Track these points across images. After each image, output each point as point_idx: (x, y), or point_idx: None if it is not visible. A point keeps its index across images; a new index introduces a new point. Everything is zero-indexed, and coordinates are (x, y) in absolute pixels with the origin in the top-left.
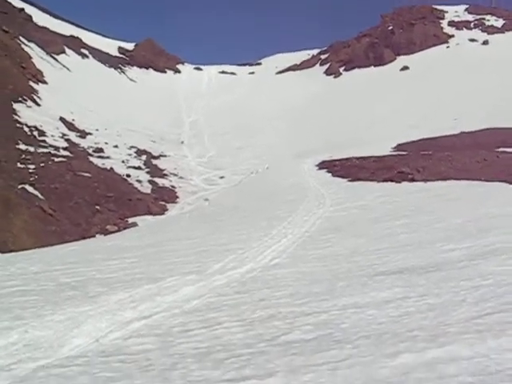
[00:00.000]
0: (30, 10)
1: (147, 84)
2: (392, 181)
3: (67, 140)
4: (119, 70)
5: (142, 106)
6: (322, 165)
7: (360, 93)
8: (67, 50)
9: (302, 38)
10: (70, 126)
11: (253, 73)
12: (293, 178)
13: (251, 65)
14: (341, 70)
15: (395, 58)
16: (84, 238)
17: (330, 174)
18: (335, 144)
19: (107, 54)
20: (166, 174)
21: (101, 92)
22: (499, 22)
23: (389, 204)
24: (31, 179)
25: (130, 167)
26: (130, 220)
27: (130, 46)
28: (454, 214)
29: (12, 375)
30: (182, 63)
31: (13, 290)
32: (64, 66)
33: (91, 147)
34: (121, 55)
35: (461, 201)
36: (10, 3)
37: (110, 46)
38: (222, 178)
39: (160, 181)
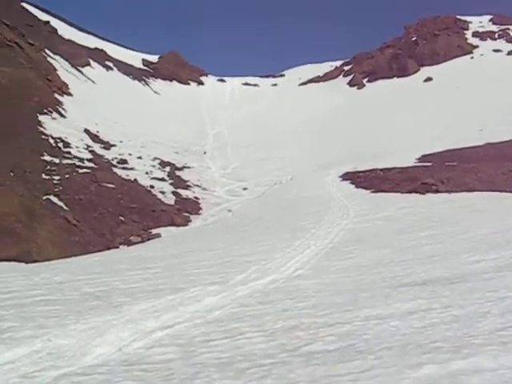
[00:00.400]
0: (55, 22)
1: (171, 96)
2: (416, 192)
3: (91, 151)
4: (143, 82)
5: (165, 118)
6: (346, 176)
7: (383, 104)
8: (92, 62)
9: (326, 49)
10: (95, 137)
11: (276, 84)
12: (316, 189)
13: (274, 76)
14: (364, 81)
15: (419, 69)
16: (108, 248)
17: (353, 186)
18: (358, 156)
19: (131, 66)
20: (189, 186)
21: (125, 104)
22: None
23: (413, 215)
24: (56, 190)
25: (153, 178)
26: (154, 231)
27: (153, 58)
28: (480, 225)
29: (35, 382)
30: (206, 75)
31: (37, 299)
32: (89, 78)
33: (115, 159)
34: (145, 67)
35: (486, 212)
36: (35, 16)
37: (135, 58)
38: (245, 189)
39: (183, 192)
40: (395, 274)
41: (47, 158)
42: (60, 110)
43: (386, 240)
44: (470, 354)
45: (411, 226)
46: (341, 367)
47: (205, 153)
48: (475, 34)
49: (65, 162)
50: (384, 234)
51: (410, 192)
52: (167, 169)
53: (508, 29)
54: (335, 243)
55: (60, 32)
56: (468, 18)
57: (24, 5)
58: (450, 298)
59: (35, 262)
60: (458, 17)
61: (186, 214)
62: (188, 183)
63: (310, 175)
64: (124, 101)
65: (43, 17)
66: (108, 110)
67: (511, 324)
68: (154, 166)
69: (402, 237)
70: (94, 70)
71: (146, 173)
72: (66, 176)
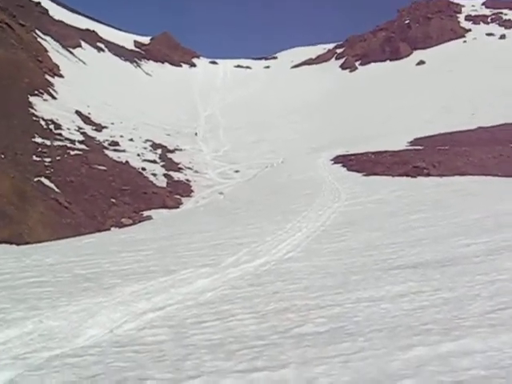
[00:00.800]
0: (46, 3)
1: (163, 78)
2: (408, 175)
3: (83, 133)
4: (135, 63)
5: (157, 100)
6: (337, 159)
7: (376, 87)
8: (83, 43)
9: (318, 31)
10: (86, 119)
11: (268, 67)
12: (308, 172)
13: (267, 59)
14: (357, 64)
15: (411, 53)
16: (99, 230)
17: (345, 169)
18: (350, 139)
19: (123, 47)
20: (181, 168)
21: (116, 86)
22: None
23: (404, 198)
24: (47, 172)
25: (145, 161)
26: (145, 213)
27: (145, 39)
28: (471, 209)
29: (27, 364)
30: (198, 57)
31: (28, 281)
32: (80, 59)
33: (107, 141)
34: (136, 49)
35: (478, 196)
36: None
37: (126, 39)
38: (236, 172)
39: (175, 174)
40: (386, 256)
41: (38, 139)
42: (51, 91)
43: (377, 223)
44: (460, 336)
45: (402, 209)
46: (331, 349)
47: (196, 134)
48: (468, 18)
49: (56, 143)
50: (375, 217)
51: (401, 175)
52: (159, 151)
53: (501, 13)
54: (327, 226)
55: (51, 13)
56: (461, 2)
57: None
58: (440, 280)
59: (27, 243)
60: (451, 0)
61: (178, 197)
62: (180, 165)
63: (301, 158)
64: (115, 83)
65: None
66: (99, 91)
67: (500, 306)
68: (145, 148)
69: (394, 220)
70: (85, 51)
71: (138, 155)
72: (58, 158)
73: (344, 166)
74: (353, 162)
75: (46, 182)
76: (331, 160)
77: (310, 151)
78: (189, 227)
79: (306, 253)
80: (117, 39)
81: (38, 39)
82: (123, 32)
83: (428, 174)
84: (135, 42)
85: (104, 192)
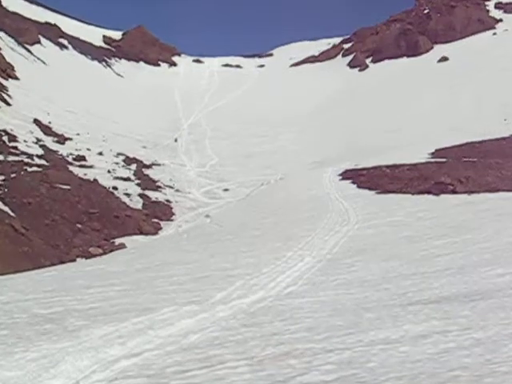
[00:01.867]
0: None
1: (137, 79)
2: (429, 193)
3: (43, 146)
4: (104, 63)
5: (131, 106)
6: (346, 174)
7: (390, 89)
8: (43, 39)
9: (321, 23)
10: (46, 129)
11: (262, 66)
12: (311, 190)
13: (260, 56)
14: (367, 61)
15: (432, 47)
16: (62, 262)
17: (355, 186)
18: (361, 150)
19: (90, 44)
20: (159, 187)
21: (82, 90)
22: None
23: (426, 220)
24: (0, 192)
25: (117, 178)
26: (118, 241)
27: (117, 34)
28: (505, 231)
29: None
30: (179, 54)
31: None
32: (39, 58)
33: (71, 155)
34: (106, 46)
35: None
36: None
37: (94, 34)
38: (226, 190)
39: (153, 194)
40: (405, 290)
41: None
42: (4, 96)
43: (393, 250)
44: (494, 383)
45: (424, 232)
46: None
47: (176, 140)
48: (498, 6)
49: (10, 158)
50: (392, 243)
51: (421, 193)
52: (133, 167)
53: None
54: (334, 254)
55: (4, 3)
56: None
57: None
58: (470, 318)
59: None
60: None
61: (156, 221)
62: (158, 184)
63: (303, 173)
64: (81, 85)
65: None
66: (62, 96)
67: None
68: (117, 164)
69: (413, 246)
70: (46, 48)
71: (108, 171)
72: (12, 175)
73: (354, 182)
74: (364, 178)
75: None
76: (339, 175)
77: (313, 165)
78: (169, 257)
79: (310, 286)
80: (83, 34)
81: None
82: (91, 26)
83: (453, 191)
84: (104, 37)
85: (68, 216)
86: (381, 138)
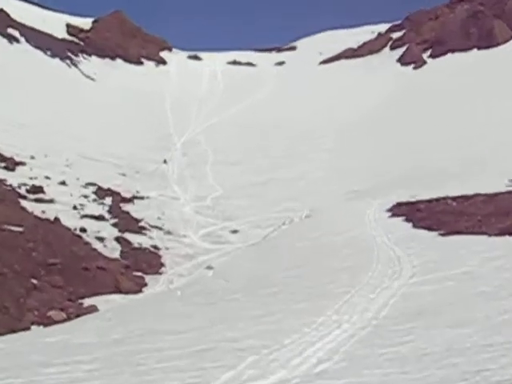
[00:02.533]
0: None
1: (113, 82)
2: (511, 234)
3: None
4: (69, 60)
5: (104, 119)
6: (398, 209)
7: (456, 92)
8: None
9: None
10: None
11: (282, 63)
12: (350, 231)
13: (279, 50)
14: (424, 56)
15: None
16: (13, 330)
17: (410, 225)
18: (417, 176)
19: (50, 35)
20: (144, 228)
21: (40, 97)
22: None
23: (507, 271)
24: None
25: (85, 216)
26: (87, 302)
27: (85, 22)
28: None
29: None
30: (170, 49)
31: None
32: None
33: (24, 185)
34: (71, 38)
35: None
36: None
37: (55, 23)
38: (234, 232)
39: (134, 238)
40: (480, 366)
41: None
42: None
43: (464, 312)
44: None
45: (504, 288)
46: None
47: (165, 161)
48: None
49: None
50: (461, 303)
51: (501, 234)
52: (108, 201)
53: None
54: (382, 318)
55: None
56: None
57: None
58: None
59: None
60: None
61: (139, 274)
62: (142, 224)
63: (338, 208)
64: (38, 91)
65: None
66: (12, 106)
67: None
68: (86, 197)
69: (490, 305)
70: None
71: (74, 207)
72: None
73: (408, 220)
74: (423, 214)
75: None
76: (387, 211)
77: (351, 196)
78: (157, 324)
79: (350, 362)
80: (40, 23)
81: None
82: (50, 11)
83: None
84: (69, 26)
85: (20, 268)
86: (445, 159)
